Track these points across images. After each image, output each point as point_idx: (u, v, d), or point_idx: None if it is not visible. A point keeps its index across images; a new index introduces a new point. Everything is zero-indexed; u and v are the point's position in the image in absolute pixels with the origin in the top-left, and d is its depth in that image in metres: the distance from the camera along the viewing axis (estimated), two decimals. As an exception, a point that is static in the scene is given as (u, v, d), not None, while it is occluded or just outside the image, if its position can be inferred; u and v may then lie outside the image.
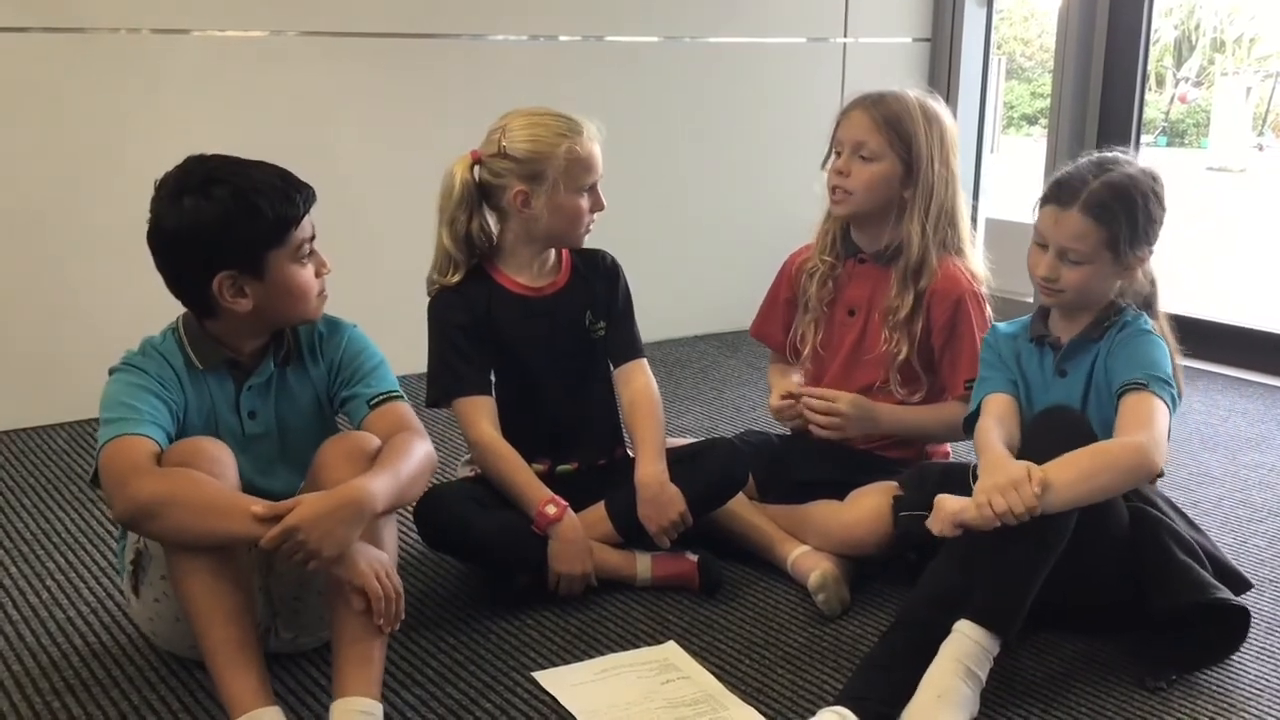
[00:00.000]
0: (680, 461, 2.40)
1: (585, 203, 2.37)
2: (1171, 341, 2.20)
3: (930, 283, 2.48)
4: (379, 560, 1.84)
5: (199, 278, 1.94)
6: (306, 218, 1.98)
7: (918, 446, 2.59)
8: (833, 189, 2.51)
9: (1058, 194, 2.13)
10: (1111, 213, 2.08)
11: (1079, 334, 2.18)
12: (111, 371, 1.98)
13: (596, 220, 2.42)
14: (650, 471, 2.36)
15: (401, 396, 2.10)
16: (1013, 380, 2.25)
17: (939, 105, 2.54)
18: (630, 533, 2.37)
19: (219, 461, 1.89)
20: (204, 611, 1.81)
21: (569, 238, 2.42)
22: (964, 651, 1.90)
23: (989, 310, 2.53)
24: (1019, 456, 2.04)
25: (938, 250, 2.49)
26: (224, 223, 1.90)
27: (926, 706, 1.86)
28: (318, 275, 2.02)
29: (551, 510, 2.29)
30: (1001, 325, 2.34)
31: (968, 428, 2.32)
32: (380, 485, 1.86)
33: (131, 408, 1.91)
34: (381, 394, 2.08)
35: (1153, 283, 2.21)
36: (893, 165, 2.47)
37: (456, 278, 2.43)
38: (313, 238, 2.00)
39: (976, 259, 2.56)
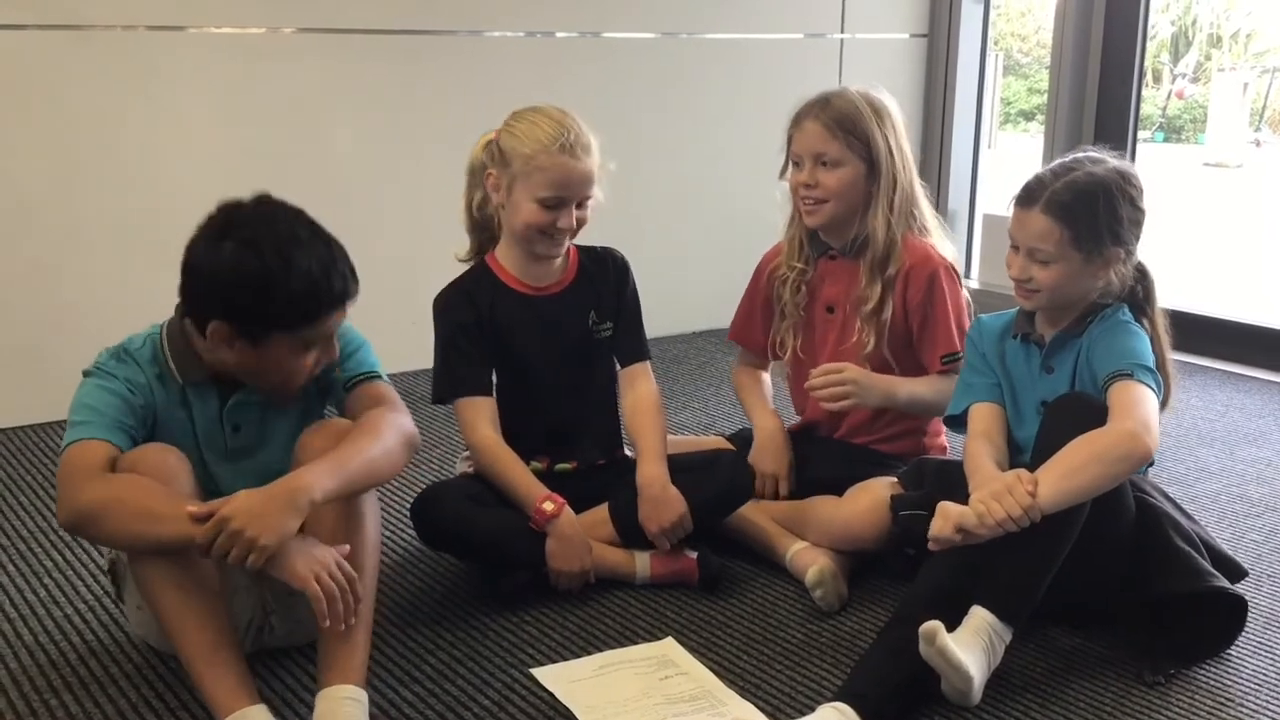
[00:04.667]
0: (686, 471, 2.39)
1: (541, 214, 2.32)
2: (1165, 338, 2.20)
3: (899, 266, 2.48)
4: (320, 559, 1.79)
5: (200, 311, 1.91)
6: (342, 312, 1.94)
7: (915, 439, 2.59)
8: (803, 199, 2.51)
9: (1023, 195, 2.15)
10: (1072, 212, 2.09)
11: (1061, 330, 2.19)
12: (85, 374, 1.97)
13: (560, 237, 2.36)
14: (652, 473, 2.36)
15: (380, 376, 2.09)
16: (996, 384, 2.25)
17: (883, 95, 2.55)
18: (631, 535, 2.37)
19: (169, 466, 1.87)
20: (175, 618, 1.80)
21: (530, 246, 2.38)
22: (981, 629, 1.93)
23: (964, 288, 2.54)
24: (1036, 450, 2.06)
25: (902, 231, 2.50)
26: (239, 286, 1.85)
27: (961, 640, 1.88)
28: (315, 364, 1.97)
29: (549, 507, 2.29)
30: (986, 318, 2.34)
31: (952, 425, 2.33)
32: (320, 473, 1.83)
33: (94, 410, 1.90)
34: (358, 375, 2.07)
35: (1143, 279, 2.21)
36: (856, 167, 2.48)
37: (468, 254, 2.47)
38: (333, 332, 1.95)
39: (942, 238, 2.57)
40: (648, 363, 2.53)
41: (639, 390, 2.49)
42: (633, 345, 2.52)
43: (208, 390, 2.00)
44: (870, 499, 2.35)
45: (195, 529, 1.74)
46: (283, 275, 1.84)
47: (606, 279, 2.49)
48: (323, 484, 1.82)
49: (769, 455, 2.56)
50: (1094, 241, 2.10)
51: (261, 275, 1.84)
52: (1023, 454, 2.16)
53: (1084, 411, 2.03)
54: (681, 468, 2.39)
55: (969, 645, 1.90)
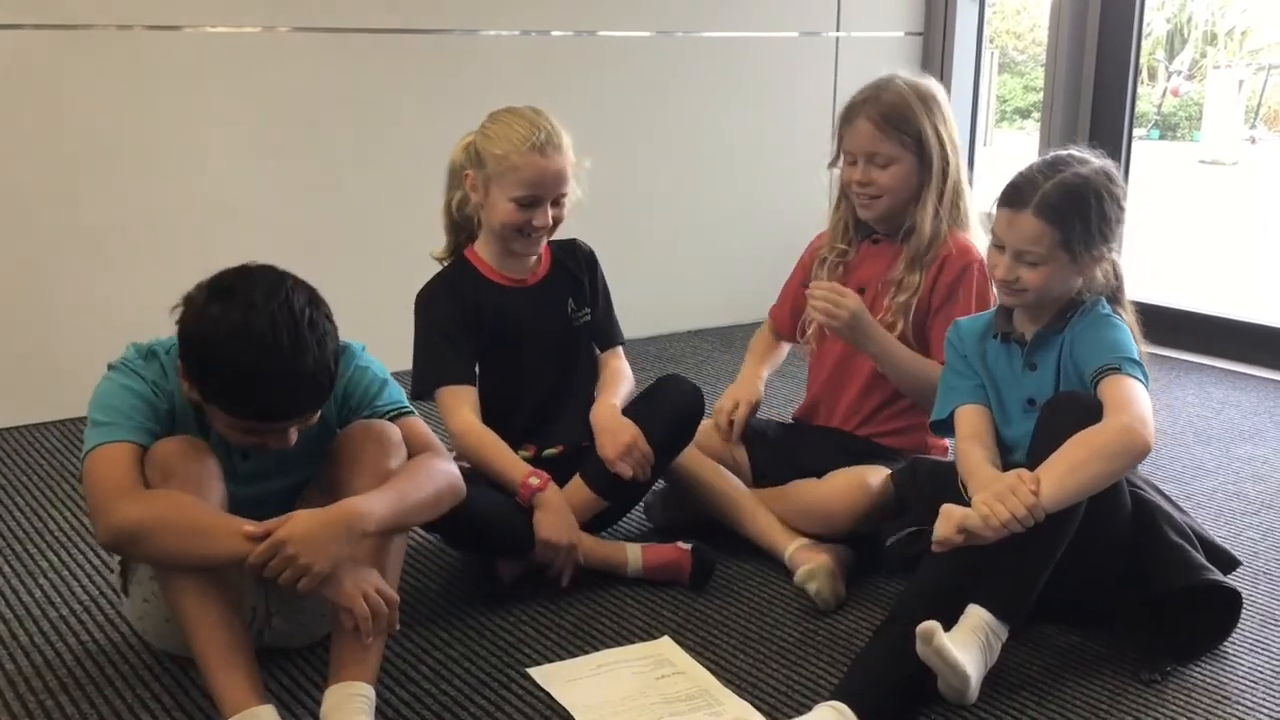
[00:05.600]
0: (637, 402, 2.47)
1: (516, 213, 2.35)
2: (1137, 332, 2.19)
3: (938, 253, 2.51)
4: (366, 578, 1.82)
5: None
6: (289, 424, 1.87)
7: (918, 435, 2.58)
8: (858, 195, 2.54)
9: (1011, 196, 2.13)
10: (1063, 214, 2.08)
11: (1043, 327, 2.18)
12: (110, 367, 1.96)
13: (536, 236, 2.39)
14: (602, 409, 2.43)
15: (412, 411, 2.09)
16: (979, 385, 2.24)
17: (929, 82, 2.56)
18: (606, 487, 2.39)
19: (202, 467, 1.87)
20: (194, 616, 1.80)
21: (507, 243, 2.42)
22: (978, 628, 1.93)
23: (993, 290, 2.53)
24: (1033, 450, 2.05)
25: (948, 224, 2.52)
26: (192, 345, 1.83)
27: (955, 644, 1.88)
28: (264, 448, 1.91)
29: (535, 481, 2.31)
30: (964, 321, 2.33)
31: (937, 430, 2.32)
32: (377, 505, 1.86)
33: (119, 412, 1.88)
34: (390, 410, 2.06)
35: (1117, 275, 2.20)
36: (909, 163, 2.50)
37: (443, 253, 2.53)
38: (282, 431, 1.87)
39: (979, 233, 2.58)
40: (620, 348, 2.60)
41: (610, 368, 2.57)
42: (608, 332, 2.60)
43: None
44: (845, 480, 2.37)
45: (248, 547, 1.75)
46: (224, 359, 1.78)
47: (579, 267, 2.55)
48: (378, 516, 1.85)
49: (737, 387, 2.66)
50: (1085, 242, 2.10)
51: (207, 343, 1.80)
52: (1011, 453, 2.16)
53: (1080, 411, 2.03)
54: (632, 404, 2.47)
55: (965, 644, 1.91)
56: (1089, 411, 2.02)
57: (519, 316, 2.46)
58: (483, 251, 2.48)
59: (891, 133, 2.48)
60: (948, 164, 2.52)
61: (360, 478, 1.93)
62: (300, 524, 1.77)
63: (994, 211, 2.19)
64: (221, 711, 1.79)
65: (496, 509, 2.30)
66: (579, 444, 2.49)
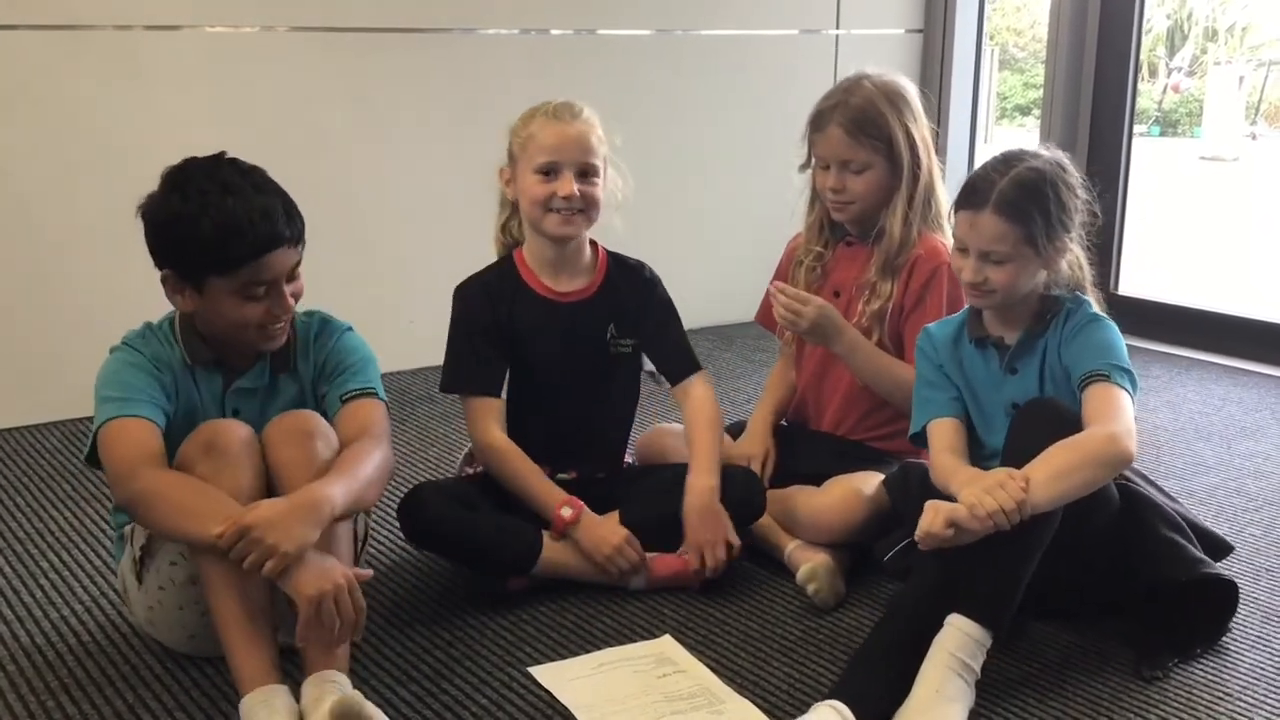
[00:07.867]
0: None
1: (540, 185, 2.30)
2: None
3: (909, 256, 2.49)
4: (333, 579, 1.80)
5: (155, 261, 1.99)
6: (279, 257, 1.95)
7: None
8: (832, 202, 2.53)
9: (969, 198, 2.11)
10: (1023, 209, 2.07)
11: (1024, 331, 2.17)
12: (112, 350, 2.02)
13: (565, 211, 2.31)
14: (704, 484, 2.33)
15: (375, 394, 2.10)
16: (955, 397, 2.22)
17: (897, 79, 2.54)
18: (643, 542, 2.35)
19: (241, 444, 1.93)
20: (219, 586, 1.84)
21: (538, 224, 2.35)
22: (957, 645, 1.90)
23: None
24: (1006, 453, 2.04)
25: (919, 227, 2.51)
26: (166, 228, 1.94)
27: (925, 703, 1.86)
28: (268, 315, 1.98)
29: (568, 513, 2.28)
30: (934, 327, 2.30)
31: (916, 443, 2.30)
32: (337, 489, 1.87)
33: (129, 386, 1.96)
34: (354, 390, 2.08)
35: (1080, 267, 2.19)
36: (882, 167, 2.49)
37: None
38: (277, 279, 1.96)
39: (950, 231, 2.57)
40: (698, 375, 2.47)
41: (693, 400, 2.43)
42: (678, 358, 2.49)
43: (213, 372, 2.06)
44: (841, 491, 2.37)
45: (218, 532, 1.77)
46: (203, 215, 1.90)
47: (633, 293, 2.47)
48: (339, 499, 1.87)
49: (747, 442, 2.62)
50: (1047, 234, 2.08)
51: (183, 216, 1.91)
52: (997, 460, 2.13)
53: (1055, 418, 2.02)
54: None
55: (940, 694, 1.87)
56: (1064, 420, 2.02)
57: (554, 332, 2.40)
58: (529, 255, 2.43)
59: (863, 139, 2.46)
60: (919, 165, 2.50)
61: (289, 468, 1.95)
62: (265, 508, 1.81)
63: (953, 216, 2.17)
64: (239, 686, 1.82)
65: (500, 532, 2.28)
66: (593, 475, 2.46)
